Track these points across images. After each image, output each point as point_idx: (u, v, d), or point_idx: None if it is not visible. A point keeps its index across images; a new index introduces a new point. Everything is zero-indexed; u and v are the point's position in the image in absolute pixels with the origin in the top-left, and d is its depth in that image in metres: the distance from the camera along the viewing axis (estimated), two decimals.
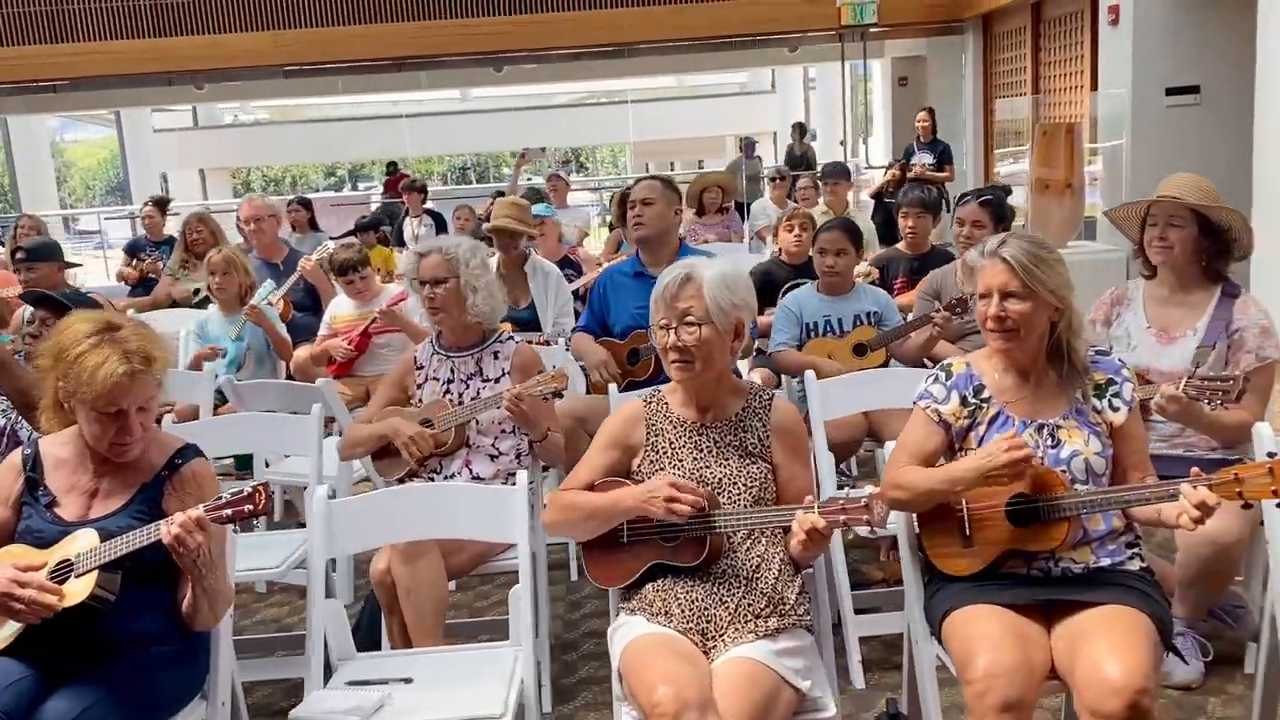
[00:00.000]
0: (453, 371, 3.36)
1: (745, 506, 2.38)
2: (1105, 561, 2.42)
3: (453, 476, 3.24)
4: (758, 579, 2.34)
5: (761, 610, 2.30)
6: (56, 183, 32.95)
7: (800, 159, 14.20)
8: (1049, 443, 2.44)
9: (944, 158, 10.23)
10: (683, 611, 2.30)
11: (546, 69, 14.48)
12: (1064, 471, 2.41)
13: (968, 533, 2.43)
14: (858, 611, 3.25)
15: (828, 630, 2.54)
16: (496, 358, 3.36)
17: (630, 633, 2.31)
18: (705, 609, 2.30)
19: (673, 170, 27.02)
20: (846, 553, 3.28)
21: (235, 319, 5.07)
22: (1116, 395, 2.46)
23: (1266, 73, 6.57)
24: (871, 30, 11.24)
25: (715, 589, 2.32)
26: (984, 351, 2.57)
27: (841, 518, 2.16)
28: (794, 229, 5.13)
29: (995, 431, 2.49)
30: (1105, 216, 3.86)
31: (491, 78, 15.85)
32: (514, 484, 2.69)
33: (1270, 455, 2.16)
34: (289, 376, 5.23)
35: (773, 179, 9.48)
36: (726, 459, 2.43)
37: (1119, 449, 2.47)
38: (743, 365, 4.78)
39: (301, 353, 5.21)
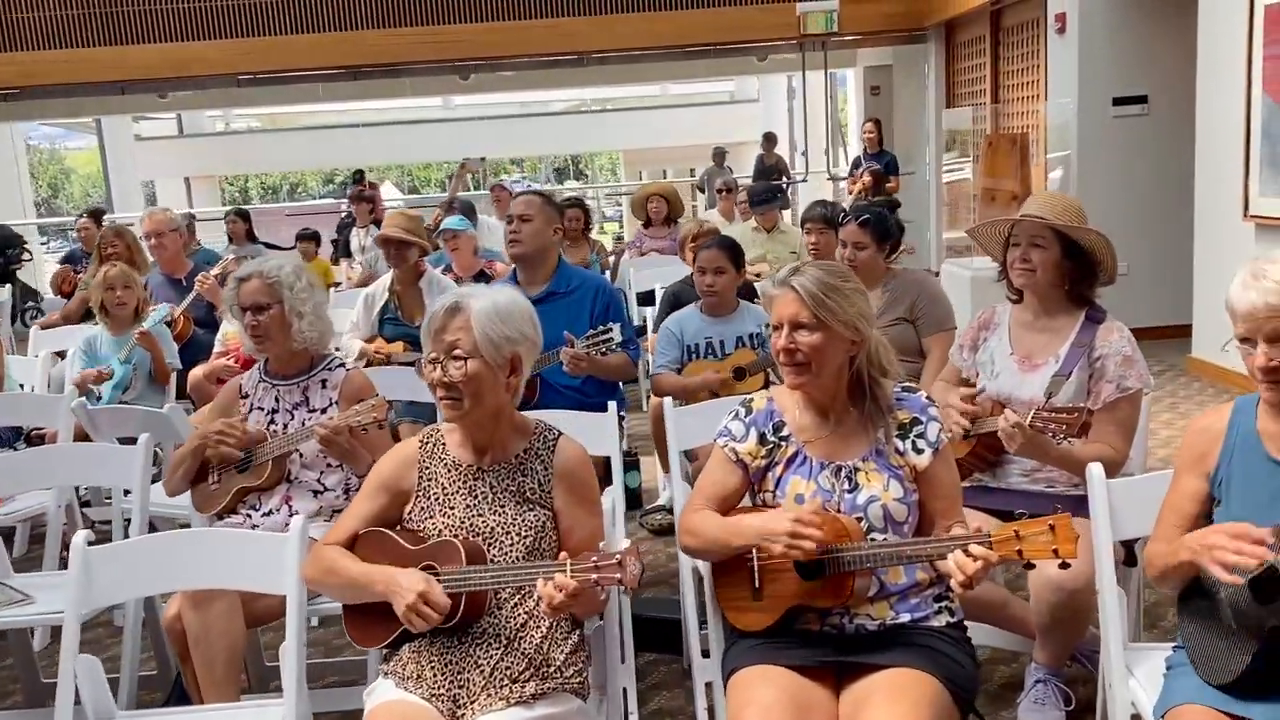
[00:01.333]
0: (278, 401, 3.18)
1: (517, 559, 2.20)
2: (905, 617, 2.23)
3: (270, 514, 3.06)
4: (521, 639, 2.15)
5: (520, 674, 2.12)
6: (52, 189, 33.03)
7: (770, 169, 14.03)
8: (846, 487, 2.26)
9: (890, 168, 10.05)
10: (435, 675, 2.12)
11: (512, 78, 14.35)
12: (860, 519, 2.23)
13: (758, 584, 2.25)
14: None
15: (618, 693, 2.36)
16: (324, 386, 3.18)
17: (375, 700, 2.13)
18: (460, 672, 2.12)
19: (665, 178, 26.93)
20: None
21: (125, 339, 4.90)
22: (921, 436, 2.28)
23: (1207, 82, 6.40)
24: (832, 39, 11.07)
25: (472, 650, 2.14)
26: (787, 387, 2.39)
27: (594, 576, 1.98)
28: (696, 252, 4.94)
29: (793, 473, 2.31)
30: (967, 234, 3.67)
31: (458, 86, 15.77)
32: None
33: (1057, 509, 1.97)
34: (183, 398, 5.08)
35: (719, 191, 9.30)
36: (502, 506, 2.25)
37: (924, 494, 2.28)
38: None
39: (198, 371, 5.04)
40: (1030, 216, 3.04)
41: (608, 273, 7.42)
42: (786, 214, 14.26)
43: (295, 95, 17.02)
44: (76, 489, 4.41)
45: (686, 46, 11.77)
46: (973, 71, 10.54)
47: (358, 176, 15.23)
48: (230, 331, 5.10)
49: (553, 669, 2.15)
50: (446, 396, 2.22)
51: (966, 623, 3.18)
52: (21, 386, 5.04)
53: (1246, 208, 6.06)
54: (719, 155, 14.39)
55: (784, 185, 13.98)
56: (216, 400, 3.32)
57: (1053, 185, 8.01)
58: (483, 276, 5.92)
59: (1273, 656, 1.93)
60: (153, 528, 4.14)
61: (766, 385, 4.00)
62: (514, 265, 4.13)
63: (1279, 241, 5.85)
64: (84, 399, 4.71)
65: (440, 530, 2.22)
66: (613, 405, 3.39)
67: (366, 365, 4.94)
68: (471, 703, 2.08)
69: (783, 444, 2.33)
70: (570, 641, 2.21)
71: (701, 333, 4.06)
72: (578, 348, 3.72)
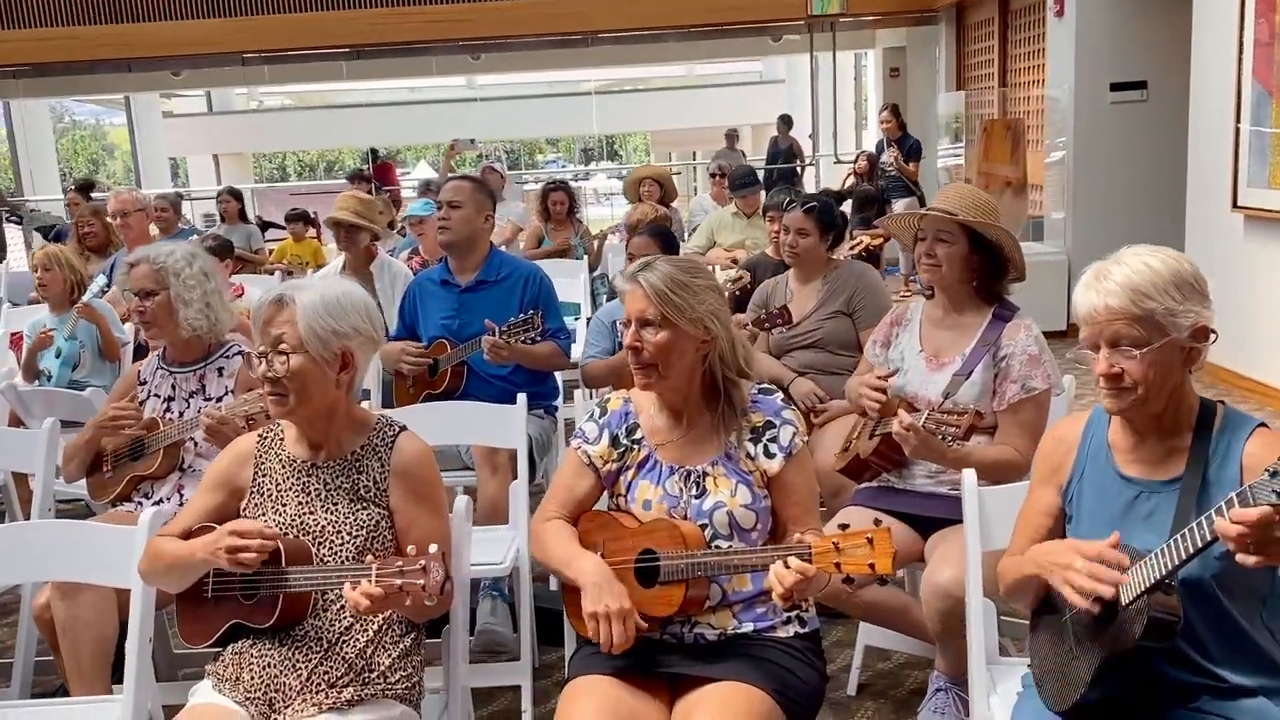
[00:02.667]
0: (174, 388, 3.14)
1: (347, 559, 2.14)
2: (748, 627, 2.15)
3: (161, 502, 3.03)
4: (344, 643, 2.09)
5: (338, 679, 2.06)
6: (94, 165, 33.37)
7: (785, 152, 13.85)
8: (694, 492, 2.18)
9: (912, 153, 9.86)
10: (252, 678, 2.07)
11: (523, 57, 14.28)
12: (705, 526, 2.15)
13: None
14: None
15: (456, 698, 2.30)
16: (221, 374, 3.14)
17: (193, 701, 2.09)
18: (276, 675, 2.06)
19: (695, 159, 26.72)
20: None
21: (66, 317, 4.89)
22: (774, 440, 2.19)
23: (1200, 67, 6.20)
24: (841, 20, 10.87)
25: (291, 653, 2.08)
26: None
27: (398, 582, 1.91)
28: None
29: (643, 478, 2.23)
30: (879, 225, 3.57)
31: (479, 65, 15.72)
32: None
33: (876, 523, 1.88)
34: None
35: (712, 175, 9.16)
36: (334, 504, 2.18)
37: (776, 500, 2.20)
38: None
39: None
40: (936, 210, 2.92)
41: (588, 257, 7.33)
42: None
43: (317, 74, 17.12)
44: None
45: (697, 26, 11.63)
46: (981, 55, 10.32)
47: (372, 156, 15.27)
48: None
49: (375, 674, 2.09)
50: (271, 392, 2.16)
51: (872, 627, 3.16)
52: None
53: (1235, 199, 5.86)
54: (731, 137, 14.22)
55: (797, 168, 13.83)
56: (116, 387, 3.29)
57: (1050, 172, 7.82)
58: None
59: (1113, 685, 1.83)
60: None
61: None
62: (444, 253, 4.07)
63: (1268, 235, 5.66)
64: (25, 381, 4.74)
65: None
66: (521, 397, 3.32)
67: None
68: (285, 707, 2.03)
69: (635, 447, 2.25)
70: (401, 646, 2.15)
71: None
72: (498, 336, 3.65)
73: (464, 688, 2.35)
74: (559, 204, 7.49)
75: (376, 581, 1.91)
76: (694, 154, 27.52)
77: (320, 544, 2.15)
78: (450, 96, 26.02)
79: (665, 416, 2.25)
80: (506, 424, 3.28)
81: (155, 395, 3.15)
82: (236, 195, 8.69)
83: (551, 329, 3.91)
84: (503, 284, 3.94)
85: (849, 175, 10.22)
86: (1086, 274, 1.90)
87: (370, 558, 1.96)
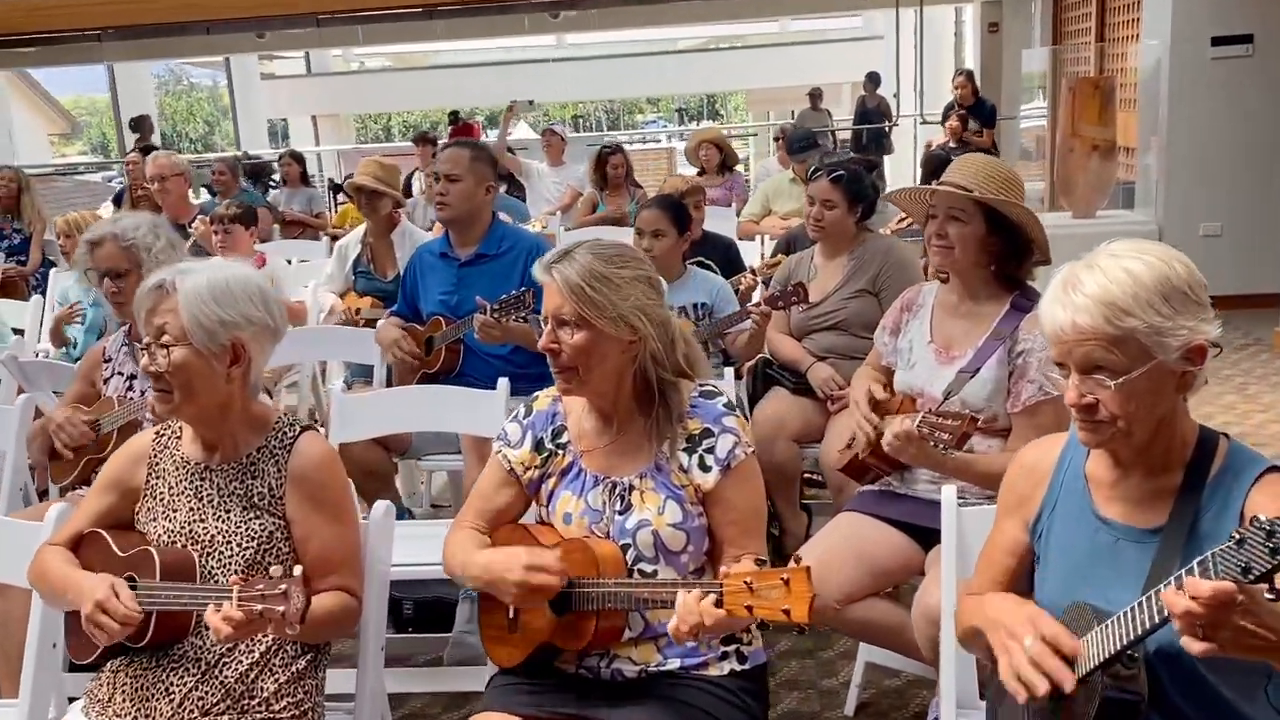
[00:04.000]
0: (138, 365, 3.00)
1: (236, 571, 1.94)
2: (674, 663, 1.89)
3: None
4: (223, 666, 1.90)
5: (214, 705, 1.87)
6: (209, 126, 34.13)
7: (873, 111, 13.30)
8: (618, 507, 1.92)
9: (988, 119, 9.31)
10: (124, 701, 1.90)
11: (609, 14, 13.97)
12: (628, 546, 1.89)
13: (512, 614, 1.94)
14: None
15: (365, 712, 2.09)
16: None
17: None
18: (148, 699, 1.88)
19: (793, 119, 26.08)
20: None
21: (91, 286, 4.83)
22: (710, 451, 1.91)
23: None
24: None
25: (166, 676, 1.90)
26: None
27: (259, 607, 1.70)
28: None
29: (566, 487, 1.98)
30: (884, 199, 3.23)
31: (565, 24, 15.49)
32: None
33: (797, 560, 1.59)
34: None
35: (775, 139, 8.75)
36: (227, 511, 1.98)
37: (712, 518, 1.93)
38: None
39: None
40: (948, 185, 2.58)
41: None
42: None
43: (411, 34, 17.08)
44: None
45: None
46: (1080, 8, 9.65)
47: (452, 118, 15.17)
48: None
49: (257, 701, 1.89)
50: (155, 388, 1.96)
51: (870, 647, 2.87)
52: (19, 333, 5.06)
53: None
54: (814, 96, 13.72)
55: (885, 129, 13.26)
56: (80, 365, 3.16)
57: (1143, 135, 7.25)
58: None
59: None
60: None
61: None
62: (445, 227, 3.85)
63: None
64: (54, 350, 4.71)
65: (160, 535, 1.98)
66: (503, 382, 3.08)
67: (339, 322, 4.79)
68: None
69: (559, 452, 2.00)
70: (292, 670, 1.95)
71: None
72: (489, 314, 3.42)
73: (376, 696, 2.13)
74: (616, 168, 7.21)
75: (238, 605, 1.71)
76: (791, 113, 26.87)
77: (209, 555, 1.96)
78: (545, 56, 25.88)
79: (594, 420, 1.99)
80: (483, 411, 3.06)
81: (119, 373, 3.01)
82: (298, 158, 8.63)
83: None
84: (503, 258, 3.70)
85: (945, 137, 9.68)
86: (1054, 281, 1.57)
87: (234, 578, 1.75)
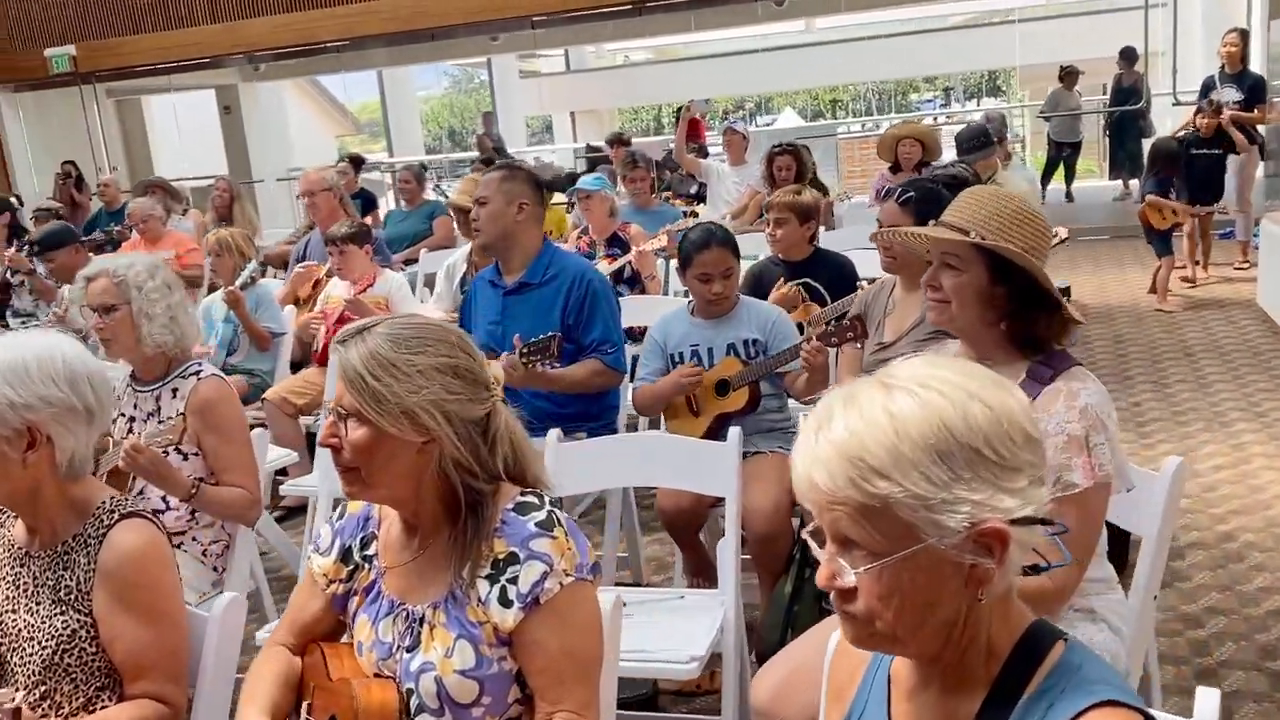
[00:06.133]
0: (136, 408, 2.96)
1: (34, 672, 1.79)
2: None
3: None
4: None
5: None
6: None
7: (1129, 91, 11.97)
8: (406, 642, 1.61)
9: (1255, 93, 8.05)
10: None
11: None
12: (410, 693, 1.58)
13: None
14: None
15: None
16: (175, 395, 2.91)
17: None
18: None
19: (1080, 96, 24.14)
20: None
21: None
22: (513, 582, 1.56)
23: None
24: None
25: None
26: None
27: None
28: (769, 222, 4.10)
29: (365, 610, 1.69)
30: (870, 240, 2.66)
31: (822, 5, 14.99)
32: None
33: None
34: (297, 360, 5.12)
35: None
36: (37, 603, 1.83)
37: (521, 664, 1.57)
38: None
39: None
40: (943, 224, 2.07)
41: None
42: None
43: (663, 26, 17.13)
44: None
45: None
46: None
47: (678, 113, 14.98)
48: (332, 294, 5.02)
49: None
50: None
51: None
52: None
53: None
54: (1068, 76, 12.48)
55: (1142, 110, 11.88)
56: None
57: None
58: (617, 241, 5.41)
59: None
60: None
61: (754, 403, 3.21)
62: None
63: None
64: None
65: None
66: (554, 433, 2.81)
67: None
68: None
69: (365, 566, 1.71)
70: None
71: (687, 339, 3.31)
72: (517, 354, 3.16)
73: None
74: (784, 169, 6.75)
75: None
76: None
77: (14, 650, 1.82)
78: (816, 40, 25.29)
79: (400, 531, 1.69)
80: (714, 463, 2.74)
81: (123, 414, 2.99)
82: (489, 164, 8.70)
83: (594, 342, 3.36)
84: (546, 287, 3.44)
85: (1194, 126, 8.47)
86: (811, 414, 1.13)
87: None
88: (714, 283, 3.25)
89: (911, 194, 3.07)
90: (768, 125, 29.49)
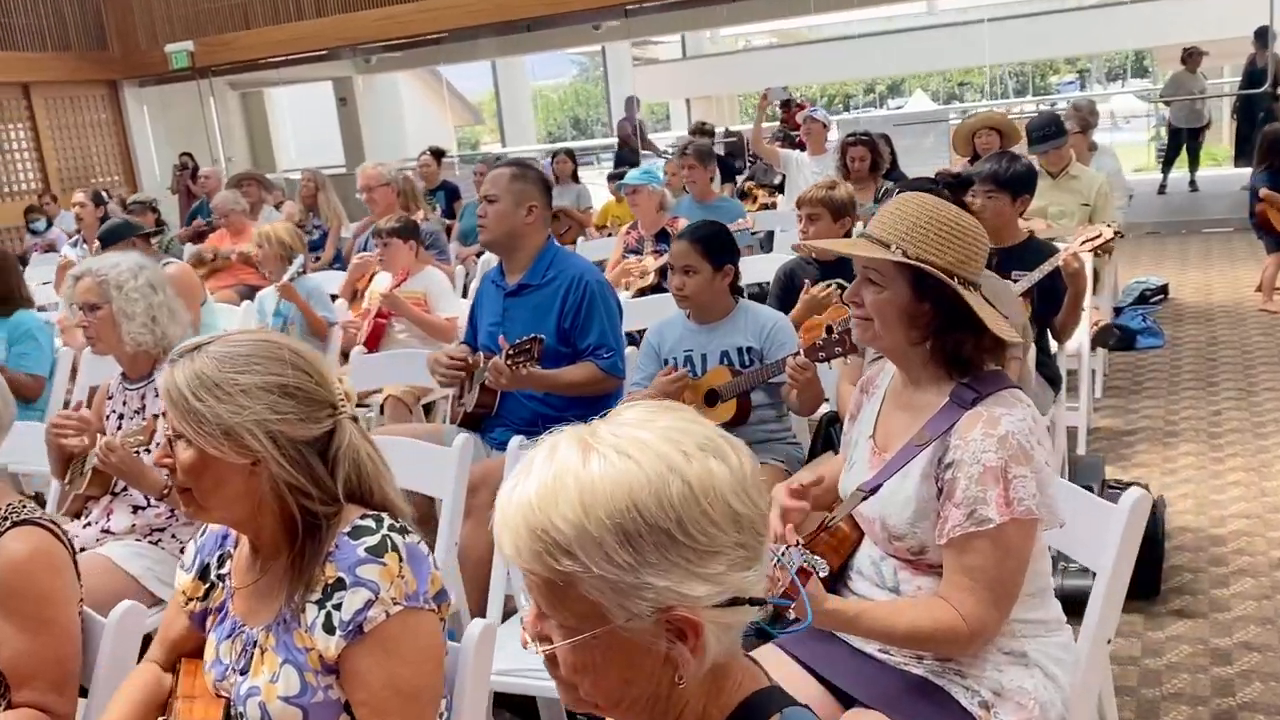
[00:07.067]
0: (125, 405, 3.03)
1: None
2: None
3: (89, 525, 2.93)
4: None
5: None
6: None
7: (1261, 74, 11.23)
8: (240, 665, 1.58)
9: None
10: None
11: None
12: (241, 716, 1.55)
13: None
14: None
15: None
16: (157, 394, 2.95)
17: None
18: None
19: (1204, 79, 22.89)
20: None
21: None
22: (338, 608, 1.51)
23: None
24: None
25: None
26: None
27: None
28: (801, 218, 3.95)
29: (215, 630, 1.66)
30: (793, 249, 2.48)
31: None
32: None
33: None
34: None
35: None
36: None
37: (349, 695, 1.52)
38: None
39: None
40: (866, 236, 1.93)
41: None
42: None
43: (779, 9, 16.95)
44: None
45: None
46: None
47: (784, 104, 14.73)
48: (376, 289, 5.07)
49: None
50: None
51: None
52: None
53: None
54: (1190, 58, 11.78)
55: (1275, 94, 11.13)
56: (95, 398, 3.24)
57: None
58: (665, 237, 5.32)
59: None
60: None
61: (744, 415, 3.09)
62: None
63: None
64: None
65: None
66: (460, 439, 2.77)
67: None
68: None
69: (219, 584, 1.69)
70: None
71: (681, 344, 3.20)
72: (503, 357, 3.12)
73: None
74: (857, 160, 6.52)
75: None
76: (1222, 69, 23.60)
77: None
78: (952, 20, 24.58)
79: (248, 550, 1.66)
80: (434, 467, 2.76)
81: (114, 412, 3.06)
82: (570, 155, 8.70)
83: (590, 345, 3.29)
84: (544, 289, 3.38)
85: None
86: (526, 456, 1.04)
87: None
88: (675, 274, 3.16)
89: (929, 191, 2.90)
90: (897, 109, 28.82)
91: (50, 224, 10.69)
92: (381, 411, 4.54)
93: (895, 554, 1.94)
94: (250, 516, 1.58)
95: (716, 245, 3.10)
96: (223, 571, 1.69)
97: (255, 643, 1.57)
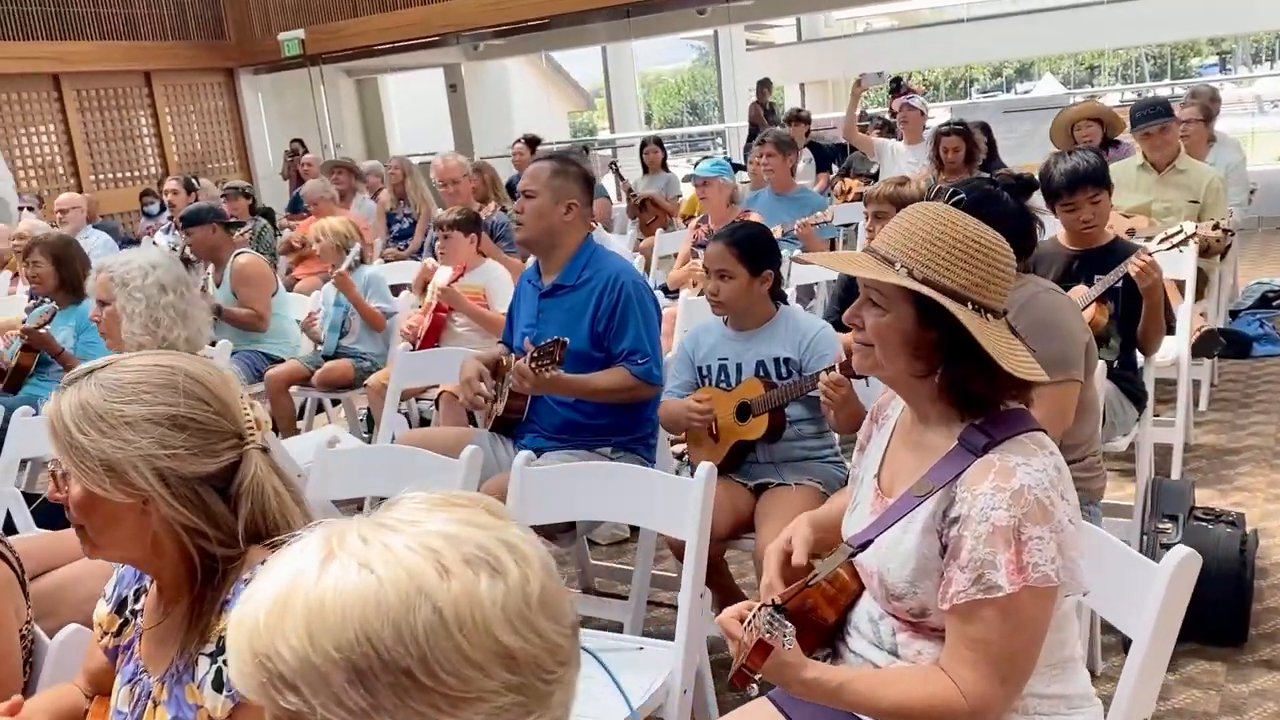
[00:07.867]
0: None
1: None
2: None
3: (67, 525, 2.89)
4: None
5: None
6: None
7: None
8: (135, 716, 1.45)
9: None
10: None
11: None
12: None
13: None
14: None
15: None
16: None
17: None
18: None
19: None
20: None
21: None
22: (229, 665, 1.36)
23: None
24: None
25: None
26: None
27: None
28: (868, 216, 3.69)
29: (123, 670, 1.55)
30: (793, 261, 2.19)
31: None
32: None
33: None
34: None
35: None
36: None
37: None
38: None
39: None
40: (870, 251, 1.70)
41: None
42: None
43: None
44: None
45: None
46: None
47: (894, 85, 14.24)
48: (437, 282, 4.98)
49: None
50: None
51: None
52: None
53: None
54: None
55: None
56: None
57: None
58: None
59: None
60: None
61: (776, 432, 2.87)
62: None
63: None
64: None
65: None
66: (468, 451, 2.61)
67: None
68: None
69: (131, 621, 1.57)
70: None
71: (715, 351, 2.99)
72: (527, 361, 2.97)
73: None
74: (950, 151, 6.16)
75: None
76: None
77: None
78: (1067, 2, 23.58)
79: (156, 590, 1.53)
80: (444, 479, 2.61)
81: None
82: (660, 143, 8.49)
83: (624, 351, 3.11)
84: (579, 290, 3.21)
85: None
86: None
87: None
88: (709, 279, 2.95)
89: (963, 197, 2.63)
90: (1026, 91, 27.73)
91: (164, 208, 11.01)
92: (436, 407, 4.45)
93: (894, 613, 1.71)
94: (147, 557, 1.45)
95: (754, 248, 2.88)
96: (136, 607, 1.57)
97: (150, 694, 1.44)
